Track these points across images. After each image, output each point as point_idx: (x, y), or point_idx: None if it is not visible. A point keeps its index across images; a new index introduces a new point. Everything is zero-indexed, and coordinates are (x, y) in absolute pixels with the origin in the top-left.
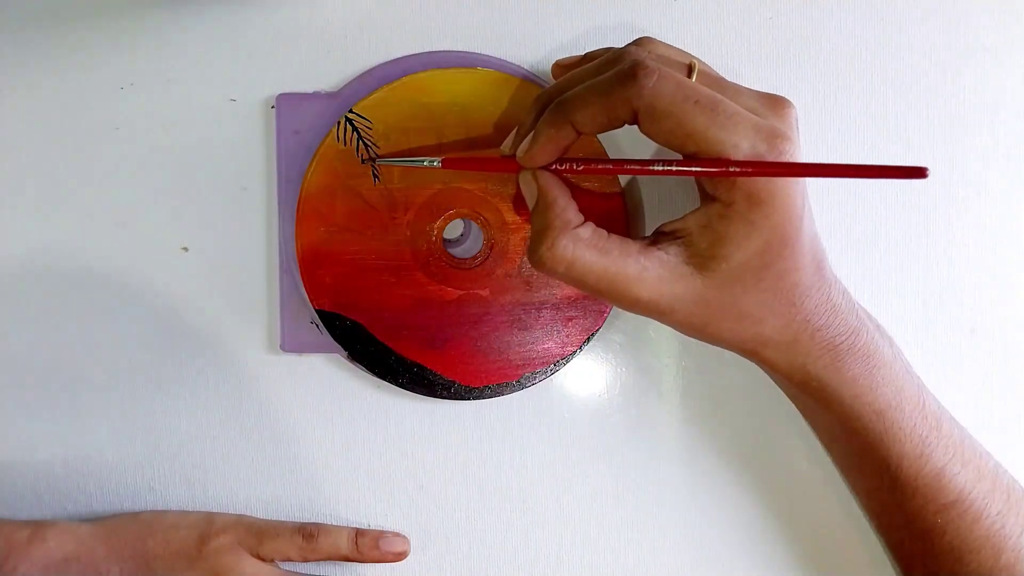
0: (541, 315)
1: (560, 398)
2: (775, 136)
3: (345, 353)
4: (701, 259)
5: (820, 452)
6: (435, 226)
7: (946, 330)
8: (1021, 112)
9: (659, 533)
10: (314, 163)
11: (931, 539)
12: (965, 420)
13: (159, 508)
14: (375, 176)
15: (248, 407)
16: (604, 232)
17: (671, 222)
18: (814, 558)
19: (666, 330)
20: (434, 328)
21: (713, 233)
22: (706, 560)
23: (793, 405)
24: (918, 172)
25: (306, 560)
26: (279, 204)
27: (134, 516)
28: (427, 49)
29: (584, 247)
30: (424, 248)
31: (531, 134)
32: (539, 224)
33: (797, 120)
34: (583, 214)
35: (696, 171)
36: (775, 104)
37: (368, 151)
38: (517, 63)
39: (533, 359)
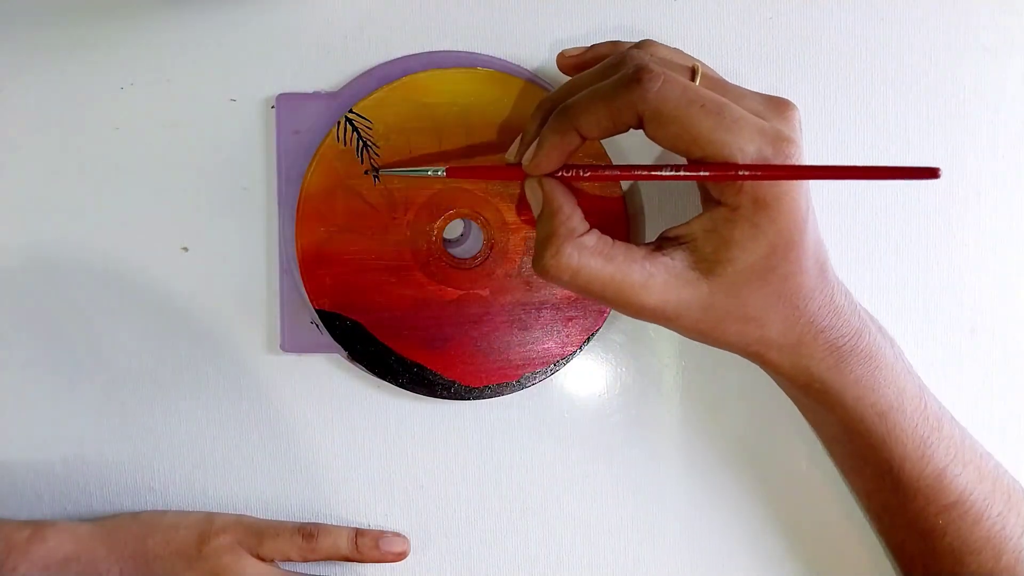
0: (541, 315)
1: (560, 398)
2: (780, 139)
3: (345, 353)
4: (707, 264)
5: (820, 452)
6: (435, 226)
7: (946, 330)
8: (1021, 112)
9: (659, 533)
10: (314, 163)
11: (932, 540)
12: (965, 420)
13: (159, 508)
14: (375, 177)
15: (248, 407)
16: (609, 239)
17: (675, 227)
18: (814, 558)
19: (666, 330)
20: (434, 328)
21: (718, 237)
22: (706, 560)
23: (793, 405)
24: (930, 172)
25: (306, 560)
26: (279, 204)
27: (134, 516)
28: (427, 49)
29: (589, 255)
30: (424, 248)
31: (535, 142)
32: (544, 232)
33: (800, 122)
34: (584, 218)
35: (705, 176)
36: (778, 106)
37: (368, 152)
38: (517, 63)
39: (533, 359)
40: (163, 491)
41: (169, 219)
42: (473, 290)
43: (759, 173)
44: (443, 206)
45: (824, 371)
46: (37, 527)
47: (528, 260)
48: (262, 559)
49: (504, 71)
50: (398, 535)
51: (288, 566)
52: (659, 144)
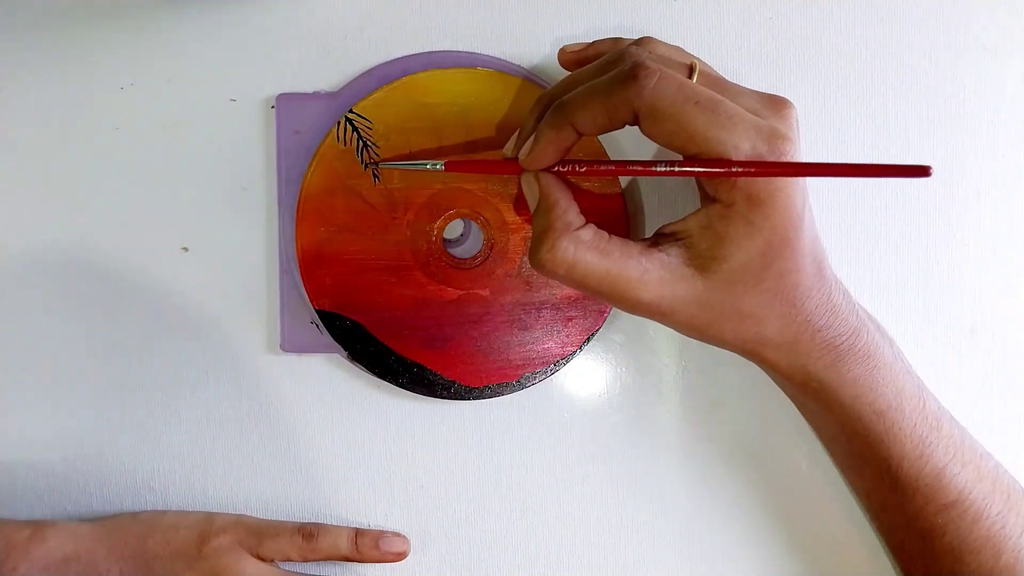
0: (541, 315)
1: (560, 398)
2: (775, 137)
3: (345, 353)
4: (702, 260)
5: (820, 452)
6: (435, 226)
7: (946, 330)
8: (1021, 112)
9: (659, 533)
10: (314, 163)
11: (931, 539)
12: (965, 420)
13: (159, 508)
14: (375, 176)
15: (248, 407)
16: (605, 234)
17: (672, 223)
18: (814, 558)
19: (666, 330)
20: (434, 328)
21: (714, 234)
22: (706, 560)
23: (793, 405)
24: (921, 171)
25: (306, 560)
26: (279, 204)
27: (134, 516)
28: (427, 49)
29: (585, 249)
30: (424, 248)
31: (532, 136)
32: (540, 226)
33: (797, 120)
34: (583, 215)
35: (699, 171)
36: (775, 104)
37: (368, 152)
38: (517, 63)
39: (533, 359)
40: (163, 491)
41: (169, 219)
42: (473, 290)
43: (752, 170)
44: (443, 206)
45: (821, 370)
46: (37, 527)
47: (528, 260)
48: (262, 559)
49: (504, 71)
50: (398, 535)
51: (288, 566)
52: (655, 141)
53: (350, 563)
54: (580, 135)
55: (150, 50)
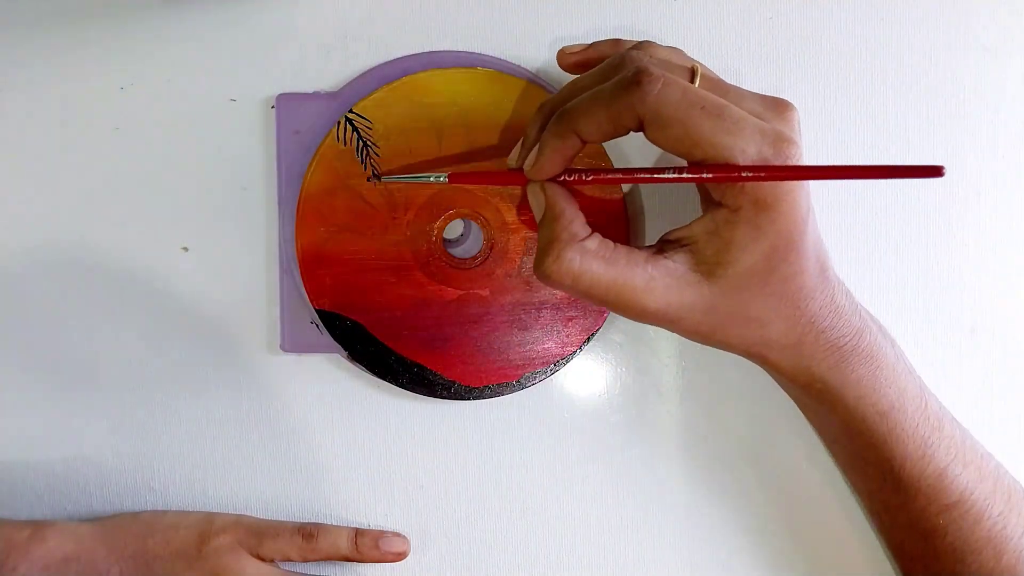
0: (541, 315)
1: (560, 398)
2: (780, 140)
3: (345, 353)
4: (708, 266)
5: (820, 452)
6: (435, 226)
7: (946, 330)
8: (1021, 112)
9: (659, 533)
10: (314, 163)
11: (932, 540)
12: (965, 420)
13: (159, 508)
14: (375, 183)
15: (248, 407)
16: (610, 243)
17: (676, 230)
18: (814, 558)
19: (666, 330)
20: (434, 328)
21: (720, 239)
22: (706, 560)
23: (793, 405)
24: (934, 171)
25: (306, 560)
26: (279, 204)
27: (134, 516)
28: (427, 49)
29: (591, 259)
30: (424, 248)
31: (536, 147)
32: (546, 237)
33: (799, 122)
34: (585, 218)
35: (708, 177)
36: (778, 107)
37: (368, 152)
38: (517, 63)
39: (533, 359)
40: (163, 491)
41: (169, 219)
42: (473, 290)
43: (762, 174)
44: (443, 206)
45: (825, 371)
46: (37, 527)
47: (528, 260)
48: (262, 559)
49: (504, 71)
50: (398, 535)
51: (288, 566)
52: (659, 147)
53: (350, 563)
54: (584, 143)
55: (150, 50)
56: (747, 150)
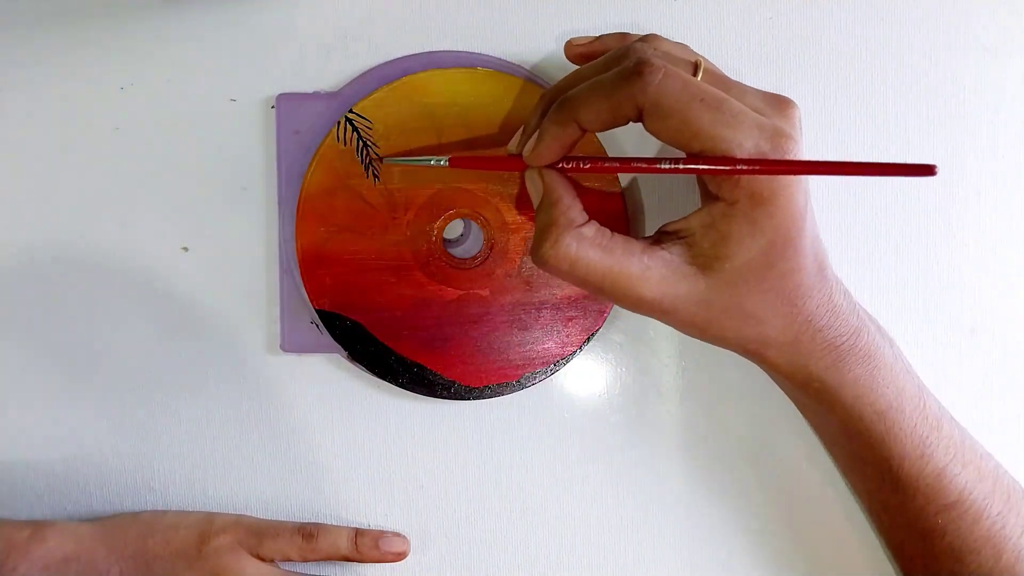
0: (541, 315)
1: (560, 398)
2: (779, 135)
3: (345, 353)
4: (704, 259)
5: (820, 452)
6: (435, 226)
7: (946, 330)
8: (1021, 112)
9: (659, 533)
10: (314, 163)
11: (931, 540)
12: (965, 420)
13: (159, 508)
14: (375, 176)
15: (248, 407)
16: (607, 231)
17: (674, 222)
18: (814, 558)
19: (666, 330)
20: (434, 328)
21: (716, 233)
22: (706, 560)
23: (792, 405)
24: (927, 169)
25: (306, 560)
26: (279, 204)
27: (134, 516)
28: (427, 49)
29: (588, 246)
30: (424, 248)
31: (536, 133)
32: (543, 222)
33: (800, 120)
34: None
35: (703, 169)
36: (779, 104)
37: (368, 152)
38: (517, 63)
39: (533, 359)
40: (163, 491)
41: (169, 219)
42: (473, 290)
43: (757, 167)
44: (443, 206)
45: (822, 370)
46: (37, 527)
47: (528, 260)
48: (262, 559)
49: (504, 71)
50: (398, 535)
51: (288, 566)
52: (658, 138)
53: (350, 563)
54: (584, 131)
55: (150, 50)
56: (744, 144)
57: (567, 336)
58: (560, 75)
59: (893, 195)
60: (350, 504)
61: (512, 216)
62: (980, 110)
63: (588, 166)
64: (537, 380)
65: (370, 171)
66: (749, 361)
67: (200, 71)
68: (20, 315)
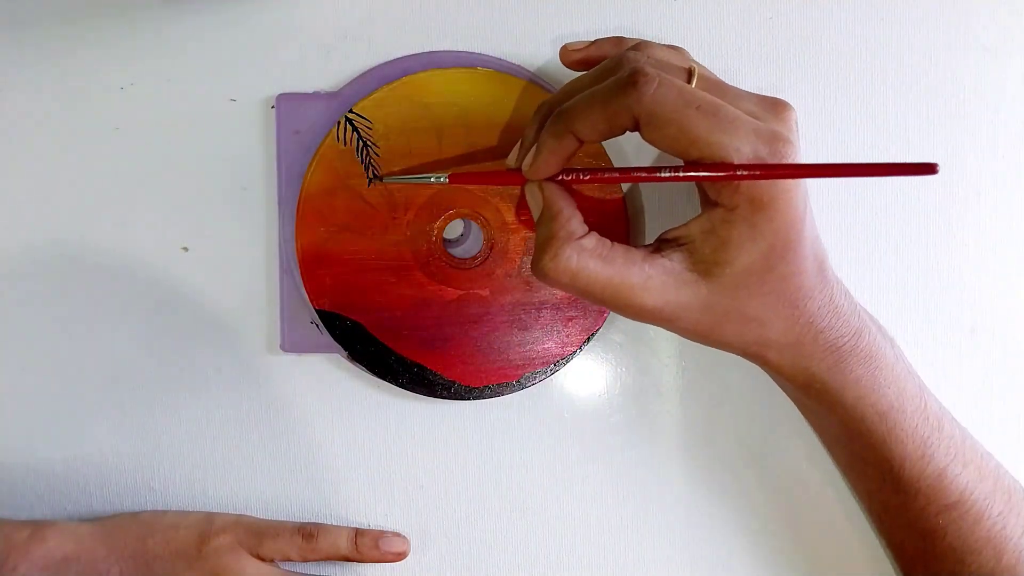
0: (541, 315)
1: (560, 398)
2: (776, 139)
3: (345, 353)
4: (705, 265)
5: (820, 452)
6: (435, 226)
7: (946, 330)
8: (1021, 112)
9: (659, 533)
10: (314, 163)
11: (932, 540)
12: (965, 420)
13: (159, 508)
14: (370, 178)
15: (248, 407)
16: (608, 241)
17: (674, 229)
18: (814, 558)
19: (666, 330)
20: (434, 328)
21: (716, 238)
22: (706, 560)
23: (793, 405)
24: (928, 168)
25: (306, 560)
26: (279, 204)
27: (134, 516)
28: (427, 49)
29: (588, 257)
30: (424, 248)
31: (535, 147)
32: (543, 235)
33: (797, 123)
34: (585, 218)
35: (704, 176)
36: (775, 107)
37: (368, 152)
38: (517, 63)
39: (533, 359)
40: (163, 491)
41: (169, 219)
42: (473, 290)
43: (757, 173)
44: (443, 206)
45: (824, 371)
46: (37, 527)
47: (528, 260)
48: (262, 559)
49: (504, 71)
50: (398, 535)
51: (288, 566)
52: (655, 146)
53: (350, 563)
54: (581, 143)
55: (150, 50)
56: (742, 149)
57: (567, 336)
58: (559, 75)
59: (893, 195)
60: (350, 504)
61: (512, 216)
62: (980, 110)
63: (588, 177)
64: (537, 380)
65: (370, 170)
66: (750, 362)
67: (200, 71)
68: (20, 315)
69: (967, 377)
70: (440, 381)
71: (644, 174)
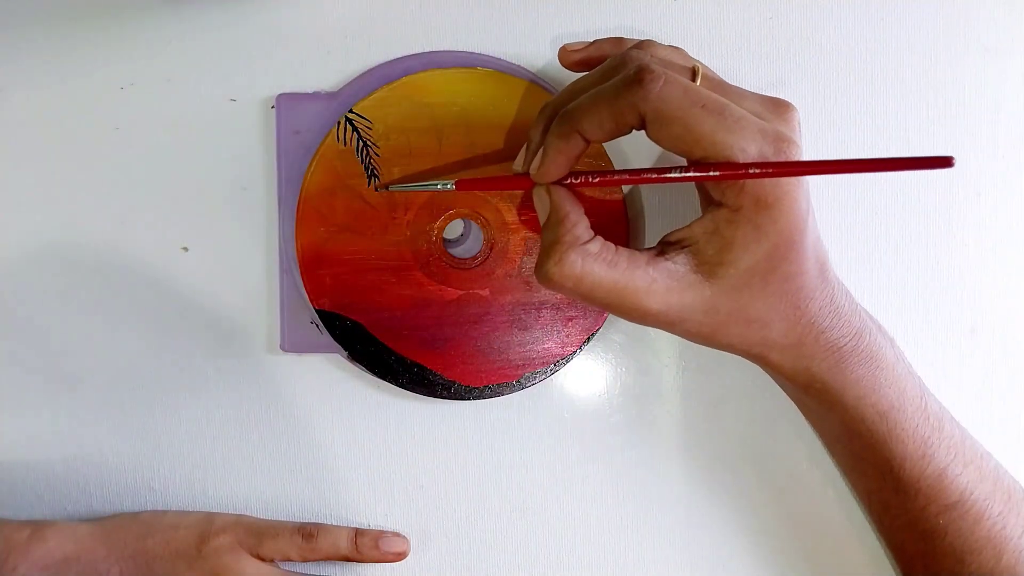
0: (541, 315)
1: (560, 398)
2: (781, 139)
3: (345, 353)
4: (709, 266)
5: (820, 452)
6: (435, 226)
7: (946, 330)
8: (1021, 112)
9: (659, 533)
10: (314, 163)
11: (932, 540)
12: (965, 420)
13: (159, 508)
14: (370, 179)
15: (248, 407)
16: (612, 245)
17: (676, 231)
18: (814, 558)
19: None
20: (434, 328)
21: (720, 239)
22: (706, 560)
23: (793, 405)
24: (944, 161)
25: (306, 560)
26: (279, 204)
27: (134, 516)
28: (427, 49)
29: (592, 261)
30: (424, 248)
31: (541, 149)
32: (549, 239)
33: (799, 123)
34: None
35: (715, 176)
36: (778, 107)
37: (368, 152)
38: (517, 63)
39: (533, 359)
40: (163, 491)
41: (169, 219)
42: (473, 290)
43: (769, 171)
44: (443, 206)
45: (825, 371)
46: (37, 527)
47: (528, 260)
48: (262, 559)
49: (504, 71)
50: (398, 535)
51: (288, 566)
52: (660, 145)
53: (350, 563)
54: (588, 143)
55: (150, 50)
56: (748, 148)
57: (567, 336)
58: (560, 75)
59: (893, 195)
60: (350, 504)
61: (512, 216)
62: (980, 110)
63: (596, 180)
64: (537, 380)
65: (371, 171)
66: (750, 362)
67: (200, 71)
68: (20, 315)
69: (967, 377)
70: (440, 381)
71: (654, 175)
